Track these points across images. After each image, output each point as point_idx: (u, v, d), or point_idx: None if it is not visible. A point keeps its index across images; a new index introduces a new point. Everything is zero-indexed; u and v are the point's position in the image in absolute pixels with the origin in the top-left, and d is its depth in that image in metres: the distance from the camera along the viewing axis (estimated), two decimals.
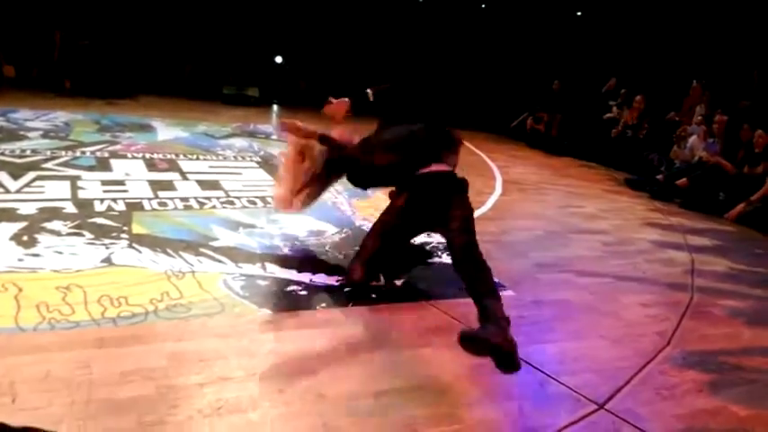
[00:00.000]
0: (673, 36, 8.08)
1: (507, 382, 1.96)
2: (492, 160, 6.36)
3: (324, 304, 2.37)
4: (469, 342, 1.82)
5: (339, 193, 4.19)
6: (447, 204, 2.34)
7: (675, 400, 1.98)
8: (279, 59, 10.83)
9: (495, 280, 2.85)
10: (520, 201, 4.75)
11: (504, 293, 2.73)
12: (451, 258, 2.25)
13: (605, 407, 1.88)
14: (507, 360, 1.78)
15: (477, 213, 4.14)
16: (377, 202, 4.08)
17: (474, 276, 2.09)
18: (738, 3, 7.20)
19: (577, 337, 2.40)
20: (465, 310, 2.49)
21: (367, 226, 3.50)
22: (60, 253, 2.56)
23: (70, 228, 2.88)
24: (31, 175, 3.70)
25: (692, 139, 6.07)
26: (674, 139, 6.46)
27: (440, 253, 3.15)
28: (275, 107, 9.27)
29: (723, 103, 6.21)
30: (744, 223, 4.74)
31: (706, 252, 3.87)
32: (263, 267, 2.65)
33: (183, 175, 4.16)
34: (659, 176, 5.80)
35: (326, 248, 3.05)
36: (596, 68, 8.58)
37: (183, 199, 3.58)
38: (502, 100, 9.27)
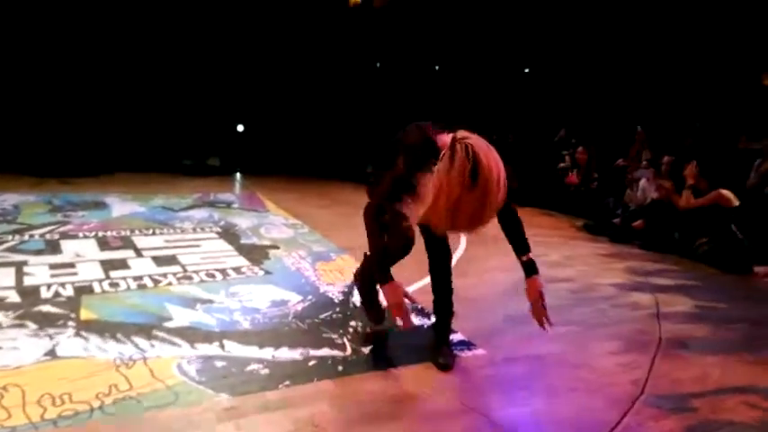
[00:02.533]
0: (615, 87, 8.56)
1: None
2: None
3: (288, 381, 2.25)
4: None
5: (303, 258, 4.12)
6: None
7: None
8: (240, 128, 10.92)
9: (465, 339, 2.81)
10: (484, 254, 4.75)
11: (474, 352, 2.68)
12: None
13: None
14: None
15: None
16: (341, 264, 4.03)
17: None
18: (677, 55, 7.73)
19: (552, 392, 2.34)
20: (434, 375, 2.42)
21: (331, 292, 3.43)
22: (0, 348, 2.38)
23: (12, 319, 2.70)
24: None
25: (643, 182, 6.30)
26: (626, 184, 6.70)
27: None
28: (238, 176, 9.25)
29: (666, 145, 6.52)
30: (703, 261, 4.84)
31: (669, 292, 3.91)
32: (222, 346, 2.52)
33: (138, 252, 4.02)
34: (616, 220, 5.95)
35: (290, 319, 2.94)
36: (547, 120, 8.96)
37: (137, 278, 3.44)
38: None
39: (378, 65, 12.43)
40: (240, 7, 11.75)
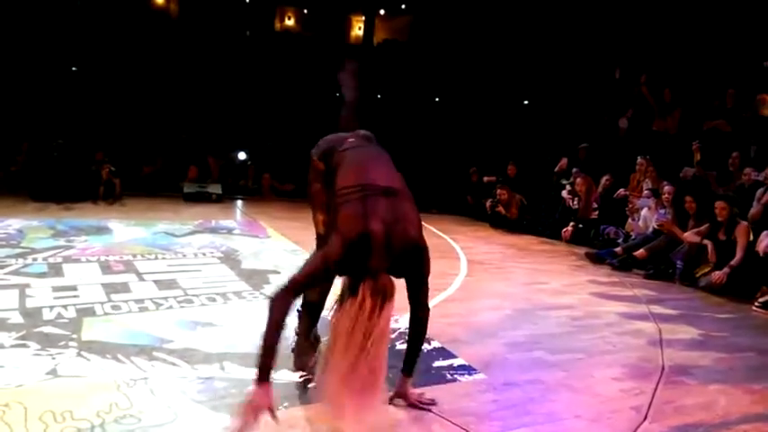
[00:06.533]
0: (615, 114, 8.69)
1: None
2: (456, 241, 6.44)
3: (287, 403, 2.24)
4: None
5: None
6: None
7: None
8: (242, 156, 11.03)
9: (466, 363, 2.80)
10: (485, 280, 4.75)
11: (475, 377, 2.66)
12: None
13: None
14: None
15: (443, 295, 4.13)
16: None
17: None
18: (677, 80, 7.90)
19: (554, 418, 2.31)
20: (433, 395, 2.40)
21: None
22: (2, 367, 2.38)
23: (15, 339, 2.70)
24: None
25: (644, 212, 6.33)
26: (627, 213, 6.73)
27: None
28: (239, 203, 9.30)
29: (668, 175, 6.57)
30: (706, 289, 4.83)
31: (671, 321, 3.89)
32: (222, 368, 2.51)
33: (140, 276, 4.03)
34: (618, 249, 5.95)
35: (291, 342, 2.92)
36: (548, 150, 9.06)
37: (138, 301, 3.44)
38: (464, 183, 9.59)
39: (378, 96, 12.65)
40: (241, 43, 12.06)
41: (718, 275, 4.76)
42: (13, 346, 2.61)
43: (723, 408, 2.53)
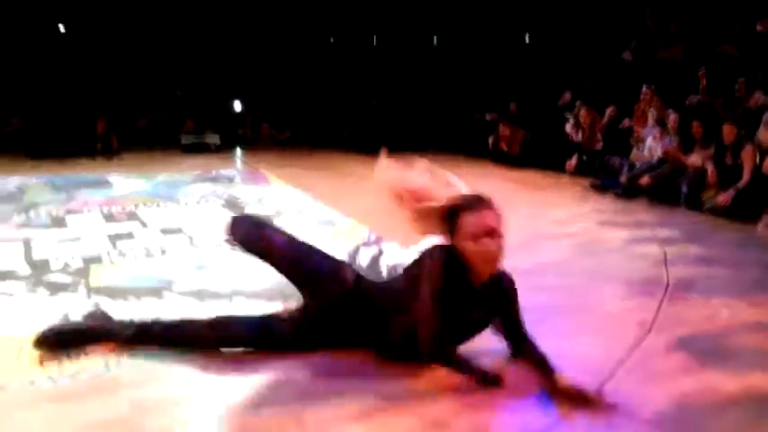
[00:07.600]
0: (618, 47, 8.42)
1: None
2: (458, 177, 6.39)
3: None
4: None
5: (308, 226, 4.12)
6: None
7: (662, 383, 1.94)
8: (237, 106, 10.85)
9: None
10: None
11: None
12: None
13: None
14: None
15: None
16: (347, 229, 4.03)
17: None
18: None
19: (559, 336, 2.34)
20: None
21: (338, 256, 3.42)
22: (14, 314, 2.42)
23: (25, 287, 2.73)
24: None
25: (649, 141, 6.24)
26: (632, 143, 6.63)
27: None
28: (239, 151, 9.22)
29: (673, 103, 6.43)
30: (711, 212, 4.82)
31: (676, 242, 3.90)
32: (231, 302, 2.55)
33: (144, 224, 4.04)
34: (622, 178, 5.90)
35: None
36: (551, 85, 8.84)
37: (144, 247, 3.45)
38: (463, 121, 9.44)
39: (375, 39, 12.27)
40: None
41: (723, 197, 4.73)
42: (23, 295, 2.64)
43: (725, 320, 2.56)
